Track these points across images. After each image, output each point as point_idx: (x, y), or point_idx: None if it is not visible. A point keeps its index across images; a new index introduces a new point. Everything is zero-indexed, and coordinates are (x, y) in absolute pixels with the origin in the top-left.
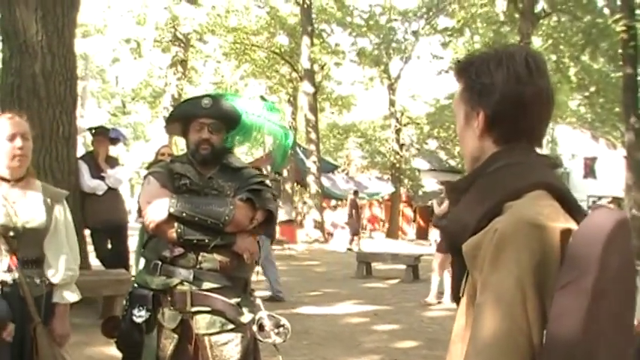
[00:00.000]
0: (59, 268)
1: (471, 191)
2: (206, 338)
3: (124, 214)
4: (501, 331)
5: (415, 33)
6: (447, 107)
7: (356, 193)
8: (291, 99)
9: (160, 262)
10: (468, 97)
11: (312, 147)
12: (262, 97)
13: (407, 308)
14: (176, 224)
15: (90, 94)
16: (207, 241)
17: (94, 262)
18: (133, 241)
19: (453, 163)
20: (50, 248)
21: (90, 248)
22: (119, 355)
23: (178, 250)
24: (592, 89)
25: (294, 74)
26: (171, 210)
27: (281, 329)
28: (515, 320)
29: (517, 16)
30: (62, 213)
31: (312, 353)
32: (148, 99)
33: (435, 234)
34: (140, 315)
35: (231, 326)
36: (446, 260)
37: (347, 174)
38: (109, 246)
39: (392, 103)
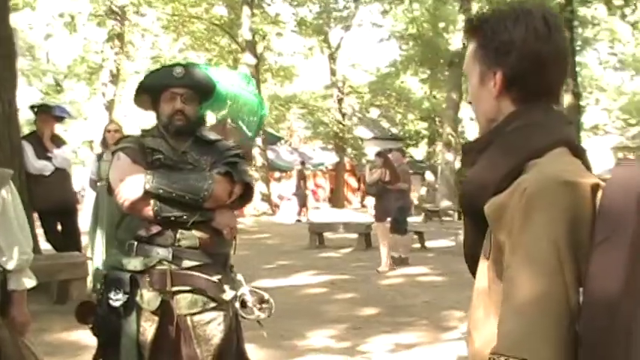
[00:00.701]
0: (12, 254)
1: (489, 151)
2: (188, 318)
3: (73, 195)
4: (539, 292)
5: (356, 0)
6: (388, 75)
7: (303, 164)
8: (233, 70)
9: (135, 242)
10: (483, 55)
11: (245, 117)
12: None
13: (363, 276)
14: (152, 201)
15: (20, 72)
16: (185, 217)
17: (45, 245)
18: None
19: (395, 130)
20: (0, 233)
21: (39, 231)
22: (80, 340)
23: (155, 229)
24: None
25: (235, 46)
26: (147, 187)
27: (264, 305)
28: (552, 280)
29: None
30: (9, 194)
31: (277, 326)
32: (83, 76)
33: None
34: (117, 298)
35: (213, 304)
36: (385, 229)
37: (290, 145)
38: (59, 228)
39: (333, 73)
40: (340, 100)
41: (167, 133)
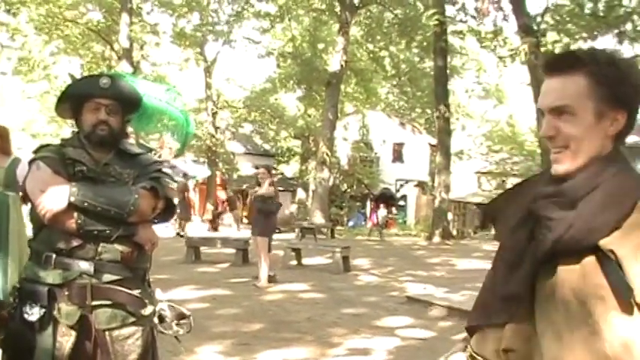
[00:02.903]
0: None
1: (599, 194)
2: (107, 333)
3: None
4: None
5: (238, 15)
6: (264, 91)
7: (185, 176)
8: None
9: (53, 255)
10: (604, 95)
11: (129, 129)
12: (166, 83)
13: (244, 291)
14: (76, 214)
15: None
16: (109, 232)
17: None
18: None
19: (267, 147)
20: None
21: None
22: None
23: (76, 241)
24: (403, 78)
25: (110, 53)
26: (72, 199)
27: (183, 320)
28: None
29: (336, 4)
30: None
31: (163, 342)
32: None
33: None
34: (33, 312)
35: (132, 319)
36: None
37: (160, 157)
38: None
39: (208, 86)
40: (214, 114)
41: (89, 143)
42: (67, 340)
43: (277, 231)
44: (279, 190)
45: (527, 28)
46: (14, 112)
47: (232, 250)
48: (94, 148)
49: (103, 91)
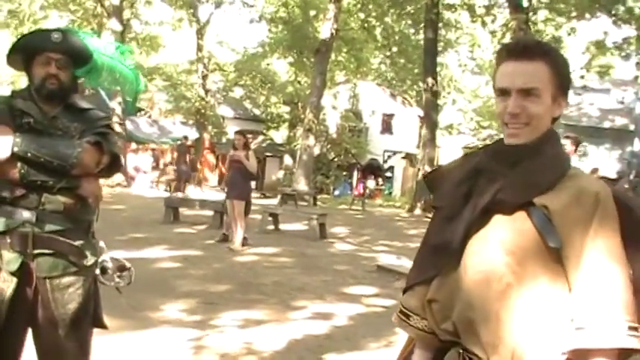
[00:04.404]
0: None
1: (541, 157)
2: (47, 281)
3: None
4: (623, 275)
5: None
6: (255, 57)
7: (186, 138)
8: (97, 35)
9: None
10: (559, 82)
11: (117, 87)
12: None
13: (217, 253)
14: (19, 164)
15: None
16: (52, 183)
17: None
18: None
19: (257, 112)
20: None
21: None
22: None
23: (20, 191)
24: (394, 49)
25: (101, 9)
26: (15, 149)
27: (124, 272)
28: (625, 266)
29: None
30: None
31: (129, 298)
32: None
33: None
34: None
35: (73, 269)
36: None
37: (150, 117)
38: None
39: (200, 48)
40: (205, 77)
41: (38, 96)
42: (7, 285)
43: (262, 196)
44: (267, 156)
45: (517, 5)
46: (2, 65)
47: (211, 212)
48: (43, 101)
49: (54, 45)
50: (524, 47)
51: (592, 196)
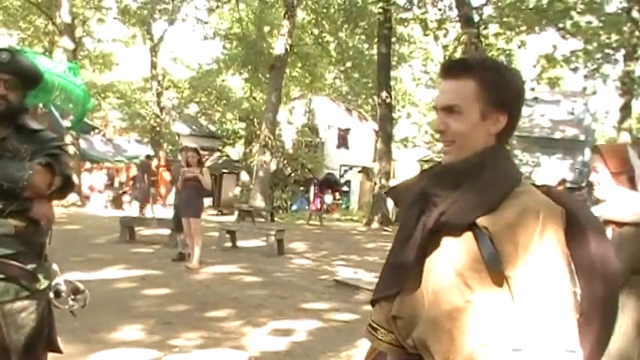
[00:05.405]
0: None
1: (482, 178)
2: None
3: None
4: (564, 295)
5: None
6: (210, 73)
7: (148, 157)
8: (47, 54)
9: None
10: (488, 97)
11: (71, 106)
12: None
13: (175, 272)
14: None
15: None
16: (2, 206)
17: None
18: None
19: (213, 128)
20: None
21: None
22: None
23: None
24: (348, 64)
25: (52, 27)
26: None
27: (79, 295)
28: (568, 285)
29: None
30: None
31: (84, 319)
32: None
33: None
34: None
35: (26, 293)
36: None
37: (104, 135)
38: None
39: (154, 66)
40: (159, 94)
41: None
42: None
43: (219, 212)
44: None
45: (468, 19)
46: None
47: (168, 231)
48: None
49: (1, 66)
50: (450, 66)
51: (533, 216)
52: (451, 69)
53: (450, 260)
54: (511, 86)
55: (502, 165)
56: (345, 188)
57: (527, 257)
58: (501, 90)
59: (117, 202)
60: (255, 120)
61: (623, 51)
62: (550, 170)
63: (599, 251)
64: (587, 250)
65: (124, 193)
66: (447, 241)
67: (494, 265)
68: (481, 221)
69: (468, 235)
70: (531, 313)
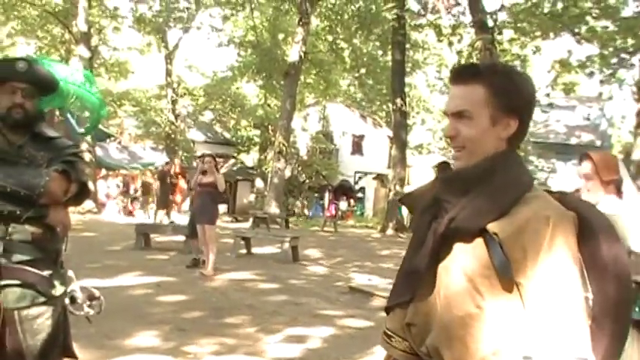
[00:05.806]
0: None
1: (493, 183)
2: (15, 312)
3: None
4: (575, 302)
5: (197, 2)
6: (225, 80)
7: (167, 163)
8: (65, 62)
9: None
10: (499, 104)
11: (86, 114)
12: (84, 68)
13: (189, 279)
14: None
15: None
16: (19, 212)
17: None
18: None
19: (227, 135)
20: None
21: None
22: None
23: None
24: (362, 71)
25: (68, 36)
26: None
27: (94, 301)
28: (579, 288)
29: None
30: None
31: (101, 326)
32: None
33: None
34: None
35: (42, 299)
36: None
37: (120, 143)
38: None
39: (169, 73)
40: (174, 101)
41: (4, 126)
42: None
43: (234, 219)
44: (239, 179)
45: (482, 25)
46: None
47: (183, 238)
48: (9, 131)
49: (19, 75)
50: (459, 71)
51: (544, 221)
52: (460, 74)
53: (461, 266)
54: (521, 91)
55: (513, 170)
56: (359, 195)
57: (537, 263)
58: (511, 95)
59: (127, 209)
60: (269, 127)
61: (639, 55)
62: (566, 176)
63: (612, 252)
64: (599, 252)
65: (135, 199)
66: (458, 247)
67: (504, 273)
68: (492, 227)
69: (479, 241)
70: (542, 320)
